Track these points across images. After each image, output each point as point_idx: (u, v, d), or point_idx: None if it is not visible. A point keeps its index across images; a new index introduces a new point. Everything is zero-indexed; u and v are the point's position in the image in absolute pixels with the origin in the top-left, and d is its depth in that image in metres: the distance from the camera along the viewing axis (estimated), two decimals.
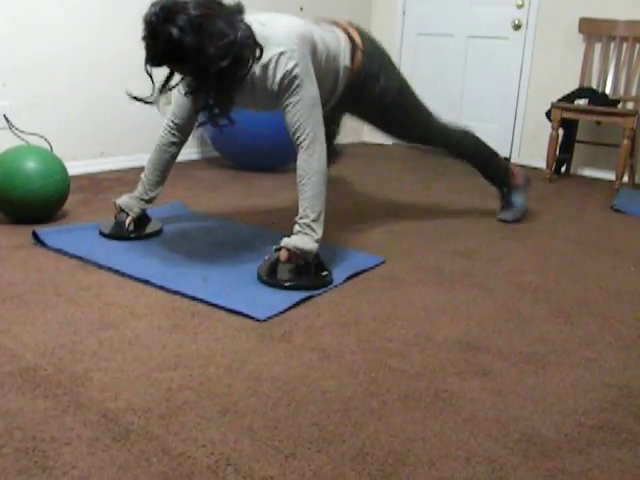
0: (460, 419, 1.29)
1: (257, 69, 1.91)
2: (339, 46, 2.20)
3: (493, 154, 2.80)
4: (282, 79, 1.90)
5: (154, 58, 1.81)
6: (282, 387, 1.37)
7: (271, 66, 1.90)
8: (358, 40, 2.29)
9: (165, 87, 1.96)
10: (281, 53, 1.89)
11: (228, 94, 1.89)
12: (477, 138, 2.76)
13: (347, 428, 1.23)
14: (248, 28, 1.84)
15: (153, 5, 1.76)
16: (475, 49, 4.79)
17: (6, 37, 2.94)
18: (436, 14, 4.90)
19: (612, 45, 4.08)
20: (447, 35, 4.90)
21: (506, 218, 2.90)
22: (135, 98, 1.93)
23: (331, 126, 2.61)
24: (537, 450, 1.20)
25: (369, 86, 2.35)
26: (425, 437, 1.22)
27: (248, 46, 1.83)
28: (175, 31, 1.72)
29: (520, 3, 4.48)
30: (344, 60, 2.22)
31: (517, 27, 4.51)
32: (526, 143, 4.63)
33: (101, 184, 3.14)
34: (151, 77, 1.87)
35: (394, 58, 5.18)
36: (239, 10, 1.88)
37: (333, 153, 2.86)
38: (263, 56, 1.88)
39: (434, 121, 2.60)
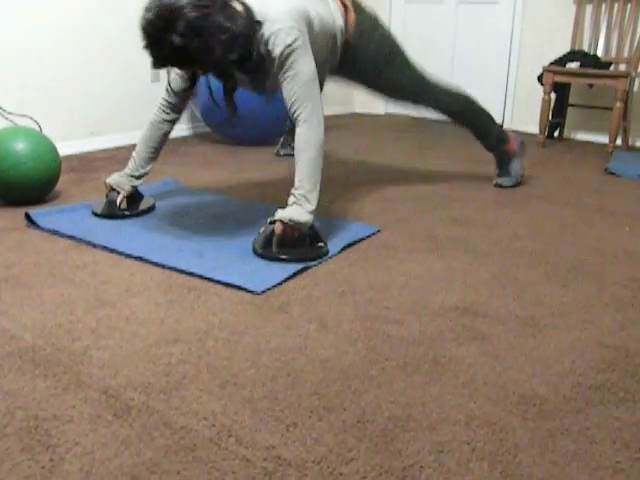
0: (459, 383, 1.30)
1: (261, 47, 1.93)
2: (331, 13, 2.22)
3: (491, 120, 2.78)
4: (281, 53, 1.90)
5: (160, 62, 1.81)
6: (281, 358, 1.37)
7: (270, 41, 1.91)
8: (348, 2, 2.31)
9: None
10: (280, 29, 1.89)
11: (232, 75, 2.02)
12: (475, 102, 2.72)
13: (347, 396, 1.24)
14: (245, 11, 1.87)
15: (147, 11, 1.73)
16: (465, 15, 4.74)
17: None
18: None
19: (603, 6, 4.03)
20: (436, 1, 4.85)
21: (503, 183, 2.90)
22: None
23: None
24: (536, 411, 1.21)
25: (364, 44, 2.35)
26: (425, 402, 1.23)
27: (250, 33, 1.86)
28: (177, 39, 1.71)
29: None
30: (339, 24, 2.24)
31: None
32: (518, 108, 4.60)
33: (92, 164, 3.12)
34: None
35: None
36: None
37: None
38: (264, 33, 1.90)
39: (429, 80, 2.56)
